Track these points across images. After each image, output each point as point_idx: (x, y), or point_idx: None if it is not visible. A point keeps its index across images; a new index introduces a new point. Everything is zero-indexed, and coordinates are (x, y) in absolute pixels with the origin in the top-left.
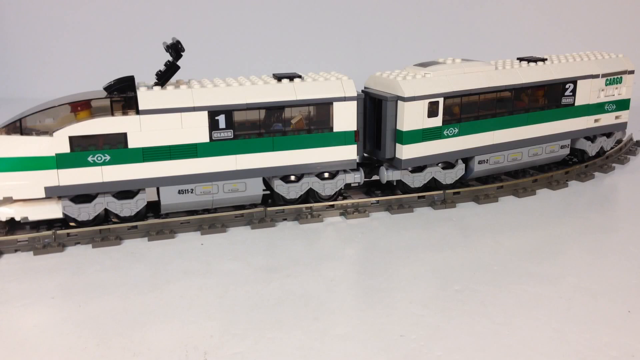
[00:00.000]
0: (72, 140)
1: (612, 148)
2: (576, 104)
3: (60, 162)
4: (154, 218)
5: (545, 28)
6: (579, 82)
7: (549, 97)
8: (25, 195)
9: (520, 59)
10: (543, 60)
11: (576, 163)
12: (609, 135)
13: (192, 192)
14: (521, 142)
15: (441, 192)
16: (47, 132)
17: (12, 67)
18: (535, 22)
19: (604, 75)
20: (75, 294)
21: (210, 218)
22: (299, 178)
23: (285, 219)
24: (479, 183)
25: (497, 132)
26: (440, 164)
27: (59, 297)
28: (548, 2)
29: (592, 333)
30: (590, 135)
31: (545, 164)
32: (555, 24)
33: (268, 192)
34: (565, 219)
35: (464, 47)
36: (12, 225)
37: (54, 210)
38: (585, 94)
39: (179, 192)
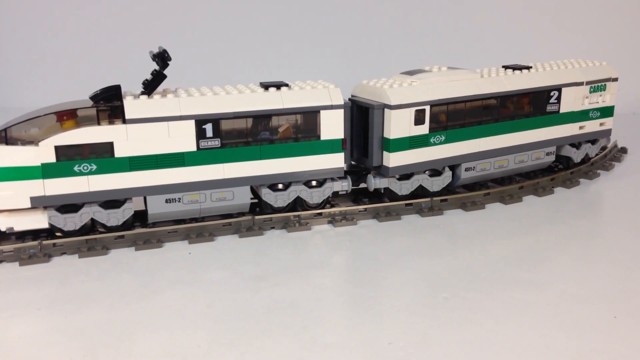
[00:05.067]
0: (58, 149)
1: (597, 155)
2: (561, 111)
3: (46, 171)
4: (141, 227)
5: (530, 37)
6: (564, 90)
7: (534, 105)
8: (11, 206)
9: (506, 67)
10: (528, 68)
11: (562, 170)
12: (593, 142)
13: (179, 201)
14: (507, 150)
15: (428, 199)
16: (33, 141)
17: None
18: (520, 30)
19: (588, 83)
20: (61, 304)
21: (197, 227)
22: (286, 186)
23: (273, 228)
24: (466, 190)
25: (483, 139)
26: (427, 172)
27: (45, 307)
28: (532, 11)
29: (579, 339)
30: (576, 142)
31: (531, 170)
32: (540, 33)
33: (256, 200)
34: (551, 225)
35: (450, 55)
36: None
37: (39, 221)
38: (570, 101)
39: (167, 201)
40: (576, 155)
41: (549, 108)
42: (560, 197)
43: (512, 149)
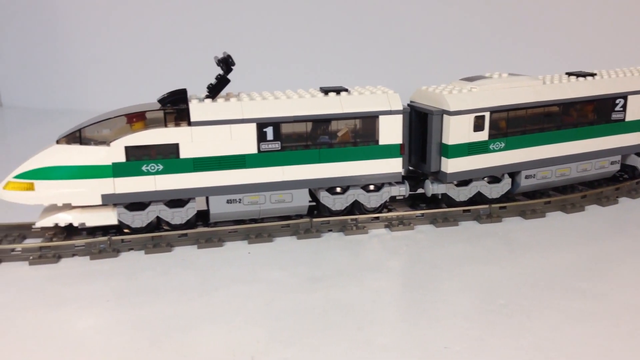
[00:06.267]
0: (128, 150)
1: None
2: (627, 120)
3: (116, 171)
4: (203, 226)
5: (595, 43)
6: (630, 98)
7: (599, 112)
8: (83, 202)
9: (569, 74)
10: (592, 75)
11: (627, 179)
12: None
13: (240, 202)
14: (570, 158)
15: (487, 206)
16: (105, 142)
17: (71, 80)
18: (586, 37)
19: None
20: (128, 297)
21: (257, 228)
22: (344, 190)
23: (330, 230)
24: (526, 198)
25: (544, 147)
26: (486, 178)
27: (113, 300)
28: (598, 17)
29: (639, 350)
30: None
31: (595, 179)
32: (605, 39)
33: (314, 203)
34: (614, 236)
35: (512, 62)
36: (70, 231)
37: (109, 217)
38: (637, 109)
39: (228, 201)
40: None
41: (614, 116)
42: (624, 208)
43: (574, 157)
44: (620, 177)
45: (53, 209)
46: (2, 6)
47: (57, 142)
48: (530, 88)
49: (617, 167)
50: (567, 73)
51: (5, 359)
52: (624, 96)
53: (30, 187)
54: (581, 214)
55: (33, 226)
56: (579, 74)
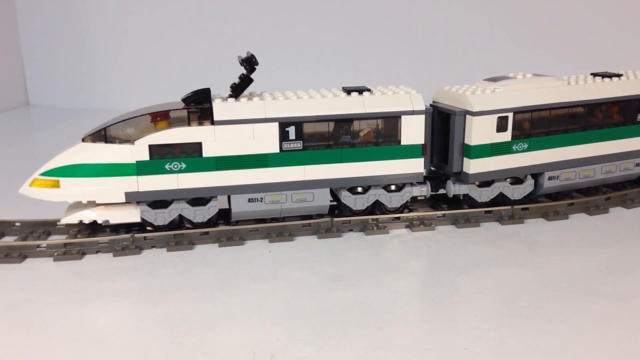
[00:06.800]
0: (152, 148)
1: None
2: None
3: (140, 169)
4: (225, 225)
5: (621, 44)
6: None
7: (624, 114)
8: (108, 200)
9: (595, 75)
10: (618, 75)
11: None
12: None
13: (261, 201)
14: (594, 159)
15: (509, 207)
16: (129, 140)
17: (96, 80)
18: (612, 38)
19: None
20: (150, 294)
21: (278, 227)
22: (365, 190)
23: (351, 230)
24: (549, 200)
25: (568, 148)
26: (508, 179)
27: (135, 296)
28: (623, 18)
29: None
30: None
31: (619, 182)
32: (633, 40)
33: (335, 202)
34: (638, 239)
35: (537, 63)
36: (94, 228)
37: (132, 215)
38: None
39: (249, 200)
40: None
41: None
42: None
43: (598, 158)
44: None
45: (78, 206)
46: (30, 10)
47: (83, 140)
48: (555, 89)
49: None
50: (592, 74)
51: (29, 354)
52: None
53: (56, 185)
54: (605, 216)
55: (58, 223)
56: (604, 75)
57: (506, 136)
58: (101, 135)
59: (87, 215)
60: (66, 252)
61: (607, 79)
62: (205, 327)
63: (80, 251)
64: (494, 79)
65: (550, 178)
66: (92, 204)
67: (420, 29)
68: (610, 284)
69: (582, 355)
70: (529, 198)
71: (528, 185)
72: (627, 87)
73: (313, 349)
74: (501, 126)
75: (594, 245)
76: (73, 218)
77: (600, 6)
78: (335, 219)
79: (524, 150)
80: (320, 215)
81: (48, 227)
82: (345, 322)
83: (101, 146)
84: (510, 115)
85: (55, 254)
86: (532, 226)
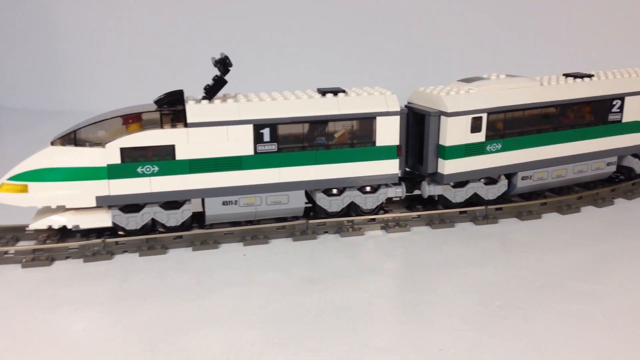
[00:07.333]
0: (123, 151)
1: None
2: (624, 121)
3: (111, 172)
4: (199, 228)
5: (592, 45)
6: (627, 99)
7: (596, 114)
8: (78, 204)
9: (567, 75)
10: (590, 76)
11: (623, 181)
12: None
13: (236, 204)
14: (566, 159)
15: (483, 207)
16: (100, 143)
17: (67, 82)
18: (583, 39)
19: None
20: (122, 300)
21: (253, 229)
22: (341, 191)
23: (326, 232)
24: (522, 199)
25: (541, 148)
26: (482, 180)
27: (106, 303)
28: (594, 19)
29: (636, 353)
30: (638, 153)
31: (591, 181)
32: (603, 41)
33: (310, 204)
34: (610, 237)
35: (510, 63)
36: (64, 233)
37: (103, 219)
38: (634, 110)
39: (224, 203)
40: (638, 166)
41: (611, 117)
42: (620, 209)
43: (570, 158)
44: (616, 178)
45: (47, 211)
46: None
47: (52, 143)
48: (528, 89)
49: (613, 168)
50: (564, 74)
51: None
52: (621, 97)
53: (24, 189)
54: (577, 215)
55: (26, 228)
56: (576, 75)
57: (480, 137)
58: (71, 139)
59: (57, 221)
60: (35, 259)
61: (579, 80)
62: (179, 333)
63: (50, 257)
64: (468, 80)
65: (523, 178)
66: (62, 209)
67: (395, 30)
68: (584, 283)
69: (557, 354)
70: (503, 198)
71: (502, 186)
72: (599, 88)
73: (289, 353)
74: (475, 127)
75: (566, 244)
76: (42, 223)
77: (570, 7)
78: (311, 221)
79: (497, 151)
80: (295, 218)
81: (16, 233)
82: (321, 325)
83: (71, 149)
84: (485, 115)
85: (24, 260)
86: (506, 226)
